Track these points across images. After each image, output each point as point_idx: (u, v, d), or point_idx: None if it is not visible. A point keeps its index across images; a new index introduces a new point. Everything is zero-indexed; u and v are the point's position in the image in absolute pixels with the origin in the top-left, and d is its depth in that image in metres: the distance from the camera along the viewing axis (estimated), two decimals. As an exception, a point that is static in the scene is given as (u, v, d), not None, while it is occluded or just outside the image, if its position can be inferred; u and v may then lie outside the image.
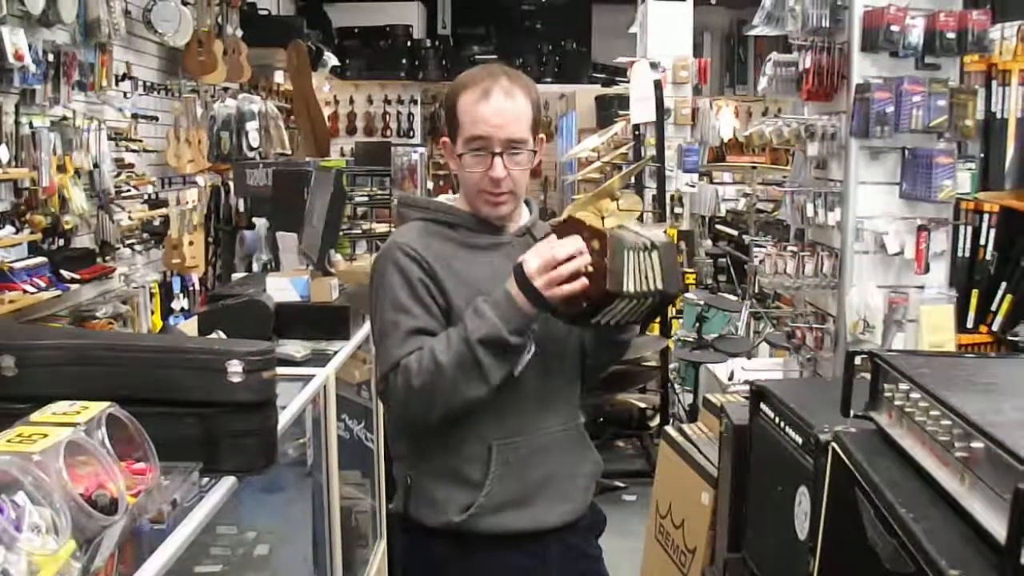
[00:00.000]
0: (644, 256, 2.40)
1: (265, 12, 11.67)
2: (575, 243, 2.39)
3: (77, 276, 6.32)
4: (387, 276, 2.58)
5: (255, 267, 5.25)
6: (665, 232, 2.53)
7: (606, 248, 2.35)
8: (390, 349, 2.53)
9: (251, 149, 8.89)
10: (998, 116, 4.51)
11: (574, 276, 2.37)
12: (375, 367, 2.70)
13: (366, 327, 4.11)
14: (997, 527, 1.79)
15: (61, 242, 6.47)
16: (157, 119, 8.43)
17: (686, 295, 7.71)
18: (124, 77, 7.66)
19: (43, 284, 5.87)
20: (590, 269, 2.36)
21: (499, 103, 2.53)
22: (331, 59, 12.43)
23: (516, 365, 2.54)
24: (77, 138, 6.54)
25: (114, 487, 1.86)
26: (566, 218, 2.52)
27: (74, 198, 6.30)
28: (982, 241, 4.60)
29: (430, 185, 7.99)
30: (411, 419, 2.62)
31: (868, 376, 2.60)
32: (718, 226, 11.28)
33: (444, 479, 2.62)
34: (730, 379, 5.98)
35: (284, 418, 2.84)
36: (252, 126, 8.94)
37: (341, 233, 5.55)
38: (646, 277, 2.40)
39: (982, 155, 4.53)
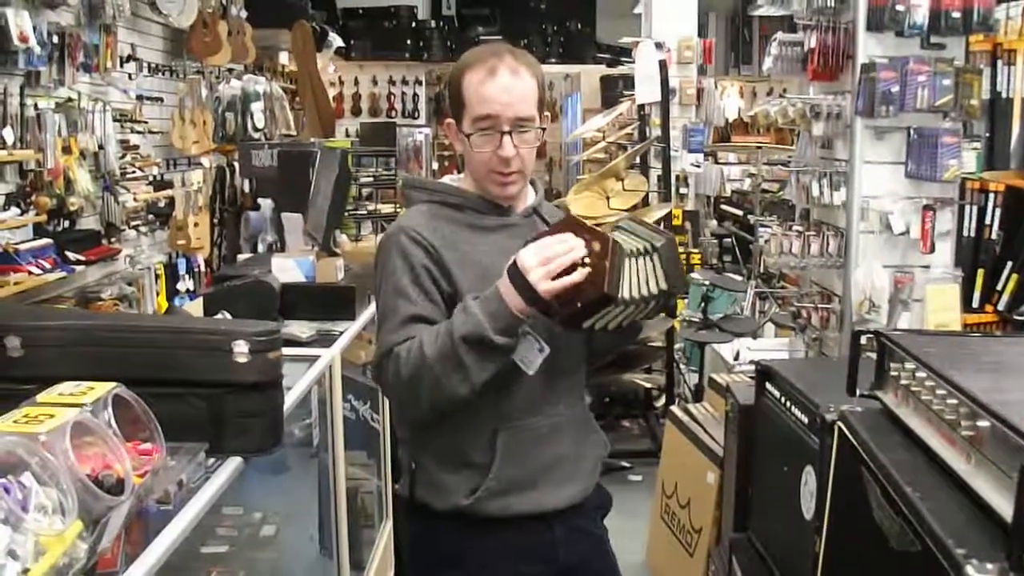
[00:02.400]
0: (645, 261, 2.38)
1: (270, -8, 11.63)
2: (571, 237, 2.35)
3: (82, 258, 6.31)
4: (390, 260, 2.56)
5: (260, 248, 5.25)
6: (670, 213, 2.50)
7: (607, 251, 2.30)
8: (386, 335, 2.51)
9: (256, 130, 8.90)
10: (1003, 95, 4.51)
11: (571, 270, 2.33)
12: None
13: (372, 308, 4.11)
14: (1004, 506, 1.78)
15: (66, 224, 6.47)
16: (162, 100, 8.40)
17: (691, 275, 7.71)
18: (129, 58, 7.63)
19: (48, 266, 5.87)
20: (587, 269, 2.33)
21: (506, 81, 2.51)
22: (336, 40, 12.39)
23: (530, 365, 2.53)
24: (82, 120, 6.53)
25: (120, 468, 1.86)
26: (566, 217, 2.49)
27: (79, 180, 6.28)
28: (987, 221, 4.61)
29: (435, 166, 8.00)
30: (401, 407, 2.62)
31: (874, 355, 2.59)
32: (723, 206, 11.26)
33: (449, 463, 2.62)
34: (735, 359, 5.98)
35: (290, 399, 2.84)
36: (257, 107, 8.95)
37: (346, 214, 5.56)
38: (647, 282, 2.37)
39: (987, 134, 4.53)
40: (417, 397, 2.46)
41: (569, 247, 2.33)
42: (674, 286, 2.42)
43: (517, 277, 2.36)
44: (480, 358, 2.40)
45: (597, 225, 2.44)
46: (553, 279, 2.33)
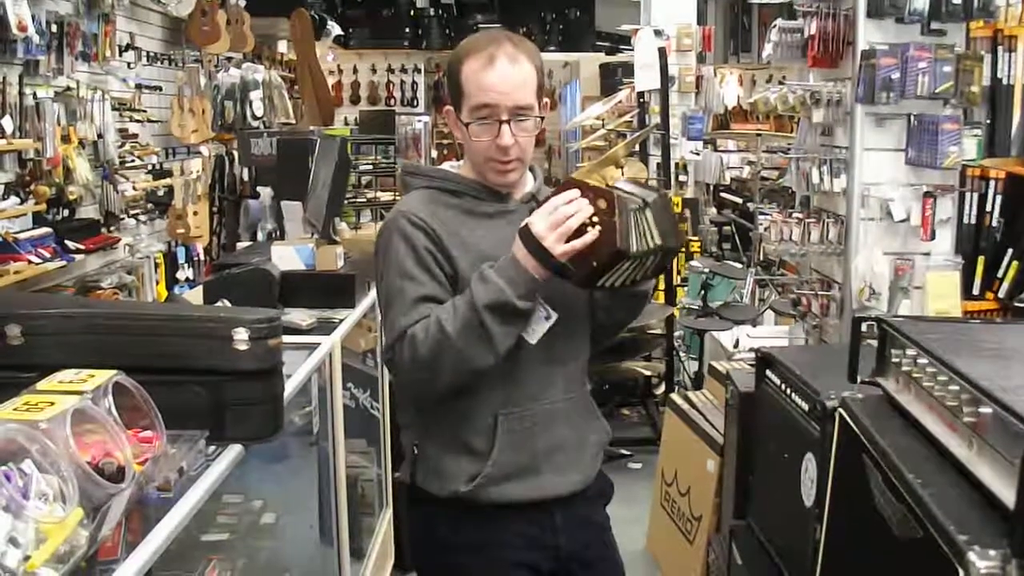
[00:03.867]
0: (640, 215, 2.38)
1: (268, -19, 11.61)
2: (575, 196, 2.37)
3: (82, 246, 6.30)
4: (392, 245, 2.55)
5: (260, 236, 5.26)
6: (661, 192, 2.49)
7: (613, 207, 2.32)
8: (396, 318, 2.50)
9: (255, 118, 8.89)
10: (1004, 82, 4.50)
11: (582, 230, 2.34)
12: (381, 336, 2.68)
13: (371, 295, 4.11)
14: (1006, 492, 1.78)
15: (66, 213, 6.46)
16: (161, 89, 8.40)
17: (691, 263, 7.71)
18: (127, 47, 7.63)
19: (48, 255, 5.86)
20: (597, 226, 2.35)
21: (505, 69, 2.50)
22: (334, 28, 12.39)
23: (533, 333, 2.53)
24: (81, 109, 6.52)
25: (121, 455, 1.86)
26: (567, 180, 2.50)
27: (78, 169, 6.28)
28: (988, 208, 4.60)
29: (434, 154, 8.00)
30: (417, 388, 2.60)
31: (874, 342, 2.59)
32: (723, 194, 11.26)
33: (450, 449, 2.61)
34: (735, 347, 5.98)
35: (290, 386, 2.84)
36: (256, 95, 8.94)
37: (346, 201, 5.55)
38: (645, 235, 2.38)
39: (988, 121, 4.51)
40: (436, 375, 2.46)
41: (576, 206, 2.34)
42: (668, 241, 2.42)
43: (531, 243, 2.37)
44: (504, 325, 2.42)
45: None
46: (566, 241, 2.34)
